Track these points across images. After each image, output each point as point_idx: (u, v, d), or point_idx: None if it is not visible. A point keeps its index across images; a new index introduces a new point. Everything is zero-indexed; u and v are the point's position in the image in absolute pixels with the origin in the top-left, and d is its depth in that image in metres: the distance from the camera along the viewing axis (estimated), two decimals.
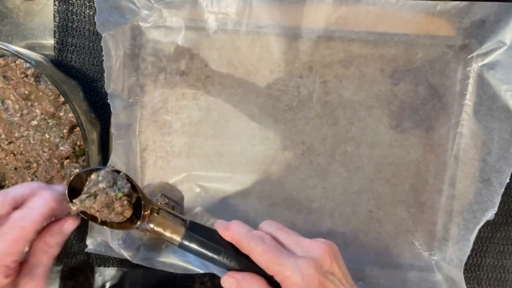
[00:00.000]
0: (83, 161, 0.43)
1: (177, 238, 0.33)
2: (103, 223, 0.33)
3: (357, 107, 0.44)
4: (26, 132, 0.42)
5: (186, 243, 0.33)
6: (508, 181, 0.41)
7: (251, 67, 0.44)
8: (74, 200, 0.32)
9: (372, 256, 0.46)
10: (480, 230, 0.42)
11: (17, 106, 0.42)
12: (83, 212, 0.33)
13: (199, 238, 0.33)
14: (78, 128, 0.42)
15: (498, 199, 0.41)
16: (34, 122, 0.42)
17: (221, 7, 0.42)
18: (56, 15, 0.44)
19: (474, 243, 0.43)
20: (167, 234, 0.34)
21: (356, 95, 0.44)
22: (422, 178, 0.45)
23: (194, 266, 0.43)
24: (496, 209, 0.41)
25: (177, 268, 0.43)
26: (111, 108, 0.41)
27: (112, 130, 0.42)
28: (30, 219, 0.29)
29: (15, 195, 0.30)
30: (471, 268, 0.47)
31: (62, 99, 0.41)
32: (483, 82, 0.42)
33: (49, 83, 0.41)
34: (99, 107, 0.45)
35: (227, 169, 0.45)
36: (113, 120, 0.41)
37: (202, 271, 0.43)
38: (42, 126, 0.42)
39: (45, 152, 0.42)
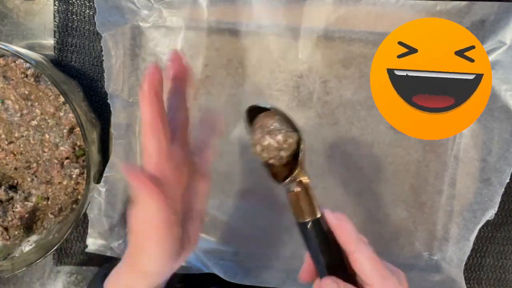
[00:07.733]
0: (83, 161, 0.43)
1: (308, 217, 0.32)
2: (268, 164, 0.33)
3: (357, 107, 0.44)
4: (26, 132, 0.42)
5: (311, 226, 0.32)
6: (508, 181, 0.41)
7: (251, 67, 0.44)
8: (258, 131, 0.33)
9: None
10: (480, 230, 0.42)
11: (17, 106, 0.42)
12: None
13: (323, 230, 0.32)
14: (78, 128, 0.42)
15: (498, 199, 0.41)
16: (34, 122, 0.42)
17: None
18: (56, 15, 0.44)
19: (474, 243, 0.43)
20: (302, 206, 0.33)
21: (356, 95, 0.44)
22: (422, 178, 0.45)
23: (195, 267, 0.43)
24: (496, 209, 0.41)
25: (177, 269, 0.43)
26: (111, 108, 0.41)
27: (112, 130, 0.42)
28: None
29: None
30: (471, 268, 0.47)
31: (62, 99, 0.41)
32: None
33: (49, 83, 0.41)
34: (99, 107, 0.45)
35: (227, 169, 0.45)
36: (113, 120, 0.41)
37: (204, 271, 0.43)
38: (42, 126, 0.42)
39: (45, 152, 0.42)
